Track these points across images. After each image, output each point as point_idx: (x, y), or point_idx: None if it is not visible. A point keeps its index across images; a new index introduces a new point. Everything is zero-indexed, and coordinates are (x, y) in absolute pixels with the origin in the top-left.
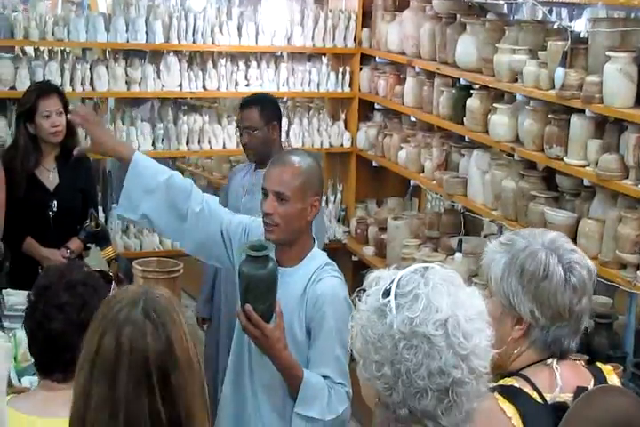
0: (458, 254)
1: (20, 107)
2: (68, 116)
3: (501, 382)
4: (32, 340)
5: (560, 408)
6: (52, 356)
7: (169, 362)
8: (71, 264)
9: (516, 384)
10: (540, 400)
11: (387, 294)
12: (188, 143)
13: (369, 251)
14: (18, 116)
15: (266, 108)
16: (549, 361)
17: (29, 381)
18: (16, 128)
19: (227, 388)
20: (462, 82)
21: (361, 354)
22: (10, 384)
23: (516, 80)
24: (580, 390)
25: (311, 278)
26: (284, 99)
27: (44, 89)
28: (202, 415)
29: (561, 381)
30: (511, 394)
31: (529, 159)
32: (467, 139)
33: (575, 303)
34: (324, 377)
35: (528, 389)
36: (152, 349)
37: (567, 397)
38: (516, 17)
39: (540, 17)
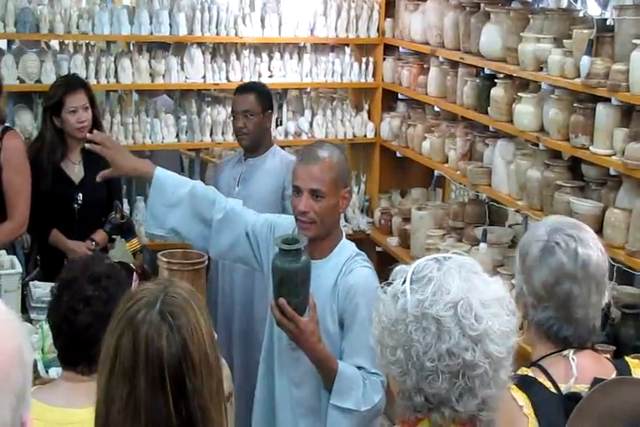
0: (482, 245)
1: (47, 101)
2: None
3: (518, 371)
4: (57, 333)
5: (574, 399)
6: (77, 349)
7: (183, 365)
8: (94, 257)
9: (531, 374)
10: (554, 390)
11: (404, 280)
12: (211, 135)
13: (393, 241)
14: (44, 109)
15: (262, 95)
16: (566, 352)
17: (56, 372)
18: (42, 121)
19: (259, 382)
20: (486, 71)
21: (378, 341)
22: (37, 376)
23: (541, 69)
24: (596, 382)
25: (342, 270)
26: (308, 89)
27: (70, 84)
28: (219, 418)
29: (577, 372)
30: (525, 383)
31: (554, 149)
32: (491, 128)
33: (552, 284)
34: (359, 368)
35: (542, 379)
36: (167, 351)
37: (582, 387)
38: (540, 5)
39: (564, 5)
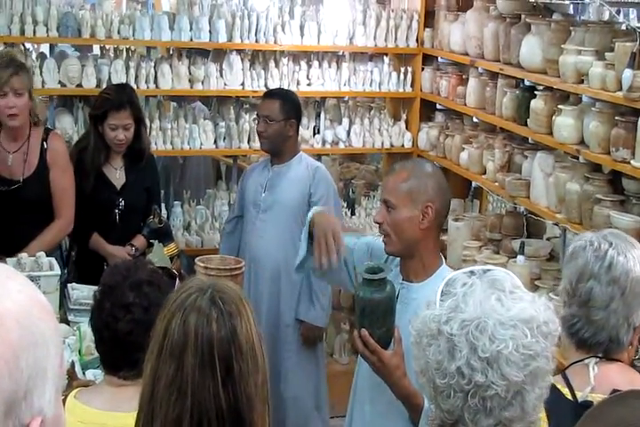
0: (520, 257)
1: (93, 109)
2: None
3: None
4: (99, 339)
5: (588, 407)
6: (118, 355)
7: (232, 350)
8: (136, 263)
9: (552, 380)
10: (570, 397)
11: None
12: (249, 141)
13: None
14: (89, 116)
15: (287, 103)
16: (587, 361)
17: (93, 374)
18: (89, 124)
19: (349, 409)
20: (526, 83)
21: (413, 356)
22: (75, 377)
23: (582, 81)
24: (614, 392)
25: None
26: (346, 98)
27: (116, 101)
28: (261, 408)
29: (595, 381)
30: None
31: (594, 162)
32: (530, 140)
33: (577, 280)
34: None
35: (561, 385)
36: (216, 335)
37: (598, 397)
38: (582, 17)
39: (606, 17)
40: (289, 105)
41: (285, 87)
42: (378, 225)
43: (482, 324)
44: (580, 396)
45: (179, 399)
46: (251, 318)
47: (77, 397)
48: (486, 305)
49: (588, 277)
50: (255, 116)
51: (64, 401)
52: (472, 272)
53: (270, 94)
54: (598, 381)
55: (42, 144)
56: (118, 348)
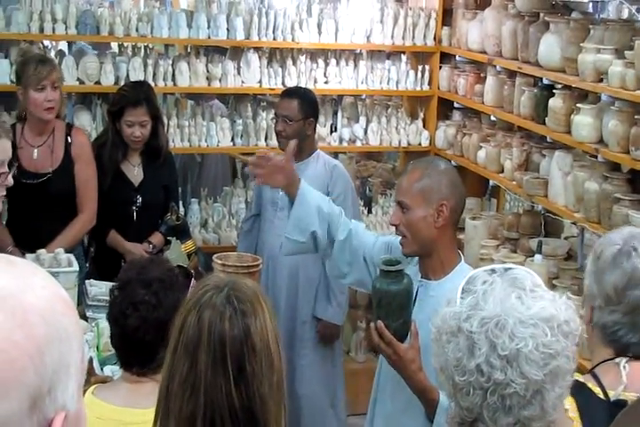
0: (538, 256)
1: (111, 105)
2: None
3: None
4: (111, 334)
5: (621, 406)
6: (128, 351)
7: (244, 349)
8: (153, 260)
9: (581, 379)
10: (602, 397)
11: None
12: (266, 139)
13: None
14: (108, 112)
15: (306, 102)
16: (618, 360)
17: (111, 370)
18: (107, 121)
19: (370, 406)
20: (545, 81)
21: (432, 353)
22: (92, 373)
23: (601, 80)
24: None
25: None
26: (363, 96)
27: (132, 97)
28: (276, 410)
29: (627, 380)
30: (573, 387)
31: (613, 161)
32: (548, 139)
33: (624, 288)
34: None
35: (591, 384)
36: (229, 334)
37: (632, 396)
38: (601, 16)
39: (626, 15)
40: (307, 104)
41: (303, 85)
42: (394, 227)
43: (502, 322)
44: (612, 395)
45: (192, 396)
46: (267, 318)
47: (95, 393)
48: (506, 303)
49: (637, 285)
50: (273, 115)
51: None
52: (493, 270)
53: (288, 93)
54: (630, 379)
55: (66, 138)
56: (127, 344)
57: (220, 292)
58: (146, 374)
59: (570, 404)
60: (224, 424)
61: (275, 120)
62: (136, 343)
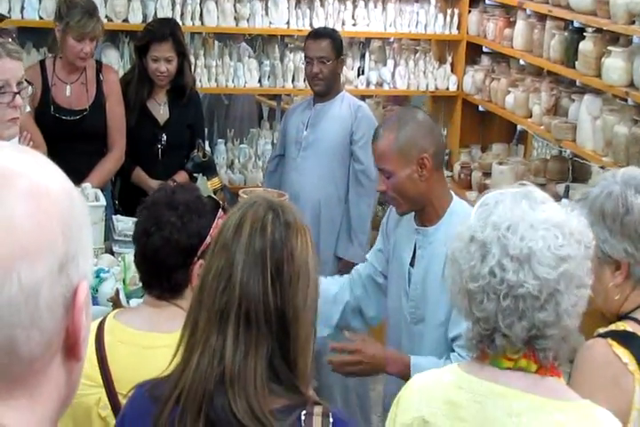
0: (564, 201)
1: (137, 41)
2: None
3: (612, 326)
4: (135, 253)
5: None
6: (149, 271)
7: (284, 253)
8: (183, 186)
9: (630, 329)
10: None
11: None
12: (293, 81)
13: (472, 196)
14: (135, 48)
15: (336, 41)
16: None
17: (137, 303)
18: (135, 58)
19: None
20: (575, 25)
21: (447, 276)
22: (119, 304)
23: (633, 22)
24: None
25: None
26: (391, 40)
27: (158, 32)
28: (307, 327)
29: None
30: (625, 339)
31: None
32: (578, 83)
33: None
34: (457, 337)
35: None
36: (270, 235)
37: None
38: None
39: None
40: (337, 42)
41: (330, 27)
42: (382, 193)
43: (513, 225)
44: None
45: (227, 290)
46: (308, 240)
47: (117, 317)
48: (517, 210)
49: None
50: (304, 58)
51: (103, 322)
52: (505, 190)
53: (318, 34)
54: None
55: (97, 76)
56: (147, 264)
57: (263, 203)
58: (166, 298)
59: (628, 357)
60: (258, 321)
61: (307, 62)
62: (157, 264)
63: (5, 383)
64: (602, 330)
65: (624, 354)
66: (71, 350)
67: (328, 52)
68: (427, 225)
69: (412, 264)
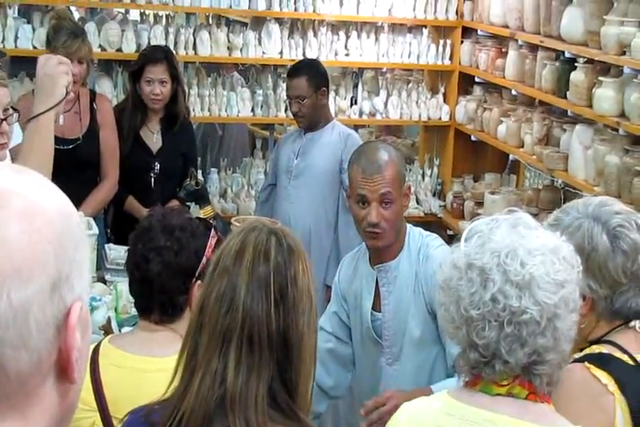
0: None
1: (130, 66)
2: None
3: (587, 351)
4: (131, 280)
5: None
6: (148, 297)
7: (288, 276)
8: (173, 209)
9: (605, 351)
10: (631, 363)
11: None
12: (286, 110)
13: (464, 225)
14: (129, 75)
15: (314, 75)
16: (632, 324)
17: None
18: (128, 86)
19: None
20: (567, 55)
21: (439, 303)
22: (110, 332)
23: (624, 53)
24: None
25: (419, 260)
26: (384, 70)
27: (153, 55)
28: (311, 350)
29: None
30: (602, 361)
31: (635, 134)
32: (569, 113)
33: (630, 266)
34: None
35: (618, 353)
36: (273, 257)
37: None
38: None
39: None
40: (315, 77)
41: (323, 57)
42: (372, 226)
43: (512, 252)
44: None
45: (229, 313)
46: (308, 265)
47: (111, 341)
48: (514, 236)
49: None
50: (286, 96)
51: (98, 346)
52: (494, 217)
53: (295, 72)
54: None
55: (91, 105)
56: (147, 289)
57: (264, 228)
58: (163, 323)
59: (606, 378)
60: (261, 344)
61: (288, 101)
62: (157, 289)
63: None
64: (577, 355)
65: (602, 375)
66: (64, 371)
67: (304, 90)
68: (386, 261)
69: (373, 308)
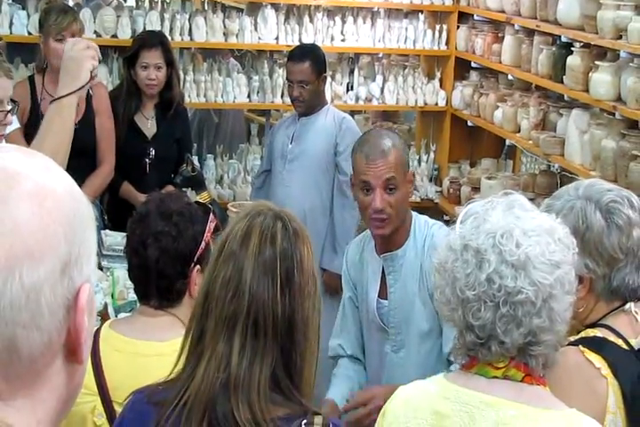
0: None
1: (125, 52)
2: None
3: (582, 334)
4: (130, 266)
5: None
6: (147, 282)
7: (294, 261)
8: (171, 194)
9: (599, 334)
10: (625, 347)
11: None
12: (282, 96)
13: (461, 210)
14: (123, 60)
15: (317, 61)
16: (627, 307)
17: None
18: (123, 71)
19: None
20: (563, 39)
21: (434, 287)
22: (107, 318)
23: (620, 37)
24: None
25: (424, 251)
26: (380, 55)
27: (148, 40)
28: (315, 334)
29: None
30: (596, 345)
31: (631, 118)
32: (565, 98)
33: (625, 241)
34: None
35: (612, 337)
36: (280, 242)
37: None
38: None
39: None
40: (318, 62)
41: (319, 42)
42: (377, 212)
43: (507, 233)
44: (634, 343)
45: (235, 298)
46: (311, 248)
47: (112, 326)
48: (509, 217)
49: (635, 228)
50: (287, 79)
51: (98, 331)
52: (490, 200)
53: (298, 56)
54: None
55: (87, 91)
56: (146, 275)
57: (269, 212)
58: (163, 307)
59: (600, 362)
60: (266, 329)
61: (288, 84)
62: (155, 274)
63: (8, 383)
64: (572, 338)
65: (596, 359)
66: (73, 352)
67: (308, 75)
68: (392, 250)
69: (380, 296)
